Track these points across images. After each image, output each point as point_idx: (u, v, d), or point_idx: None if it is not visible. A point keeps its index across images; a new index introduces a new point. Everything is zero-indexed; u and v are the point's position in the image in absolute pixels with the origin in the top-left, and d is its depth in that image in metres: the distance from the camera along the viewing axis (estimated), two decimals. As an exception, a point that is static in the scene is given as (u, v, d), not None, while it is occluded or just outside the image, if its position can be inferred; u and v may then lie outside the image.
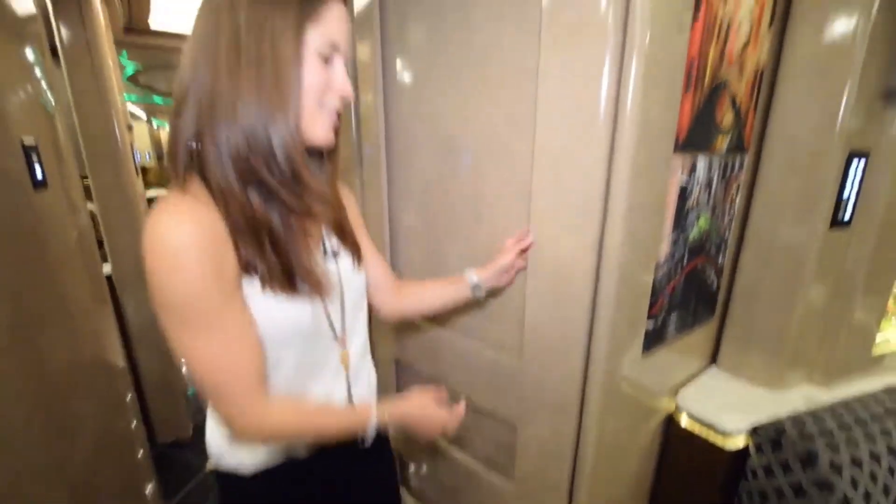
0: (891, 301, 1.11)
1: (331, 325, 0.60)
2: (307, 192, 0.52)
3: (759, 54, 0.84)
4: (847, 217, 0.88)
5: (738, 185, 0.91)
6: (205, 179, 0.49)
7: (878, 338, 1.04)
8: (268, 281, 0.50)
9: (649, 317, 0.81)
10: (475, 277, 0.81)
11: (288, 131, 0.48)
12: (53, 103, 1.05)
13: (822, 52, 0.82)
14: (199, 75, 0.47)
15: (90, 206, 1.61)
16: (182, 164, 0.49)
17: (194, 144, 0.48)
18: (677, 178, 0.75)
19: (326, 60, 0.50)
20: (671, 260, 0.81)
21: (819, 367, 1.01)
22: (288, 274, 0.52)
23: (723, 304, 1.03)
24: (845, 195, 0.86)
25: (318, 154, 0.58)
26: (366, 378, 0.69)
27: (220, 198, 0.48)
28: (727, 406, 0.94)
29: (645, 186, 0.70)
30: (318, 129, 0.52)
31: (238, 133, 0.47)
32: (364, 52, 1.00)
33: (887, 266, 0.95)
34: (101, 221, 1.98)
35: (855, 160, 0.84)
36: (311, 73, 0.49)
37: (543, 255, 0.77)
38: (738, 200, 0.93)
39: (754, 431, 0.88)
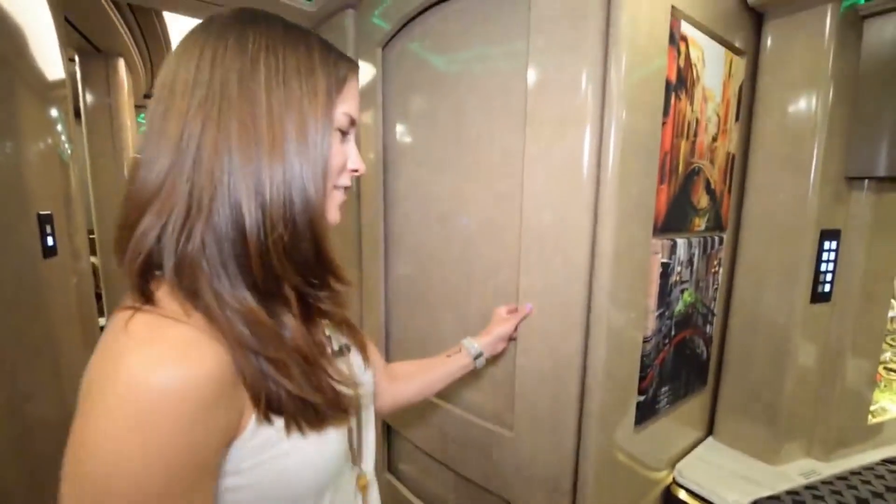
0: (881, 369, 1.13)
1: (349, 444, 0.50)
2: (337, 280, 0.46)
3: (729, 144, 0.91)
4: (826, 290, 0.92)
5: (719, 260, 0.95)
6: (190, 293, 0.36)
7: (874, 407, 1.04)
8: (296, 420, 0.40)
9: (640, 391, 0.82)
10: (476, 346, 0.79)
11: (316, 214, 0.42)
12: (69, 154, 1.12)
13: (786, 141, 0.89)
14: (189, 159, 0.37)
15: (93, 259, 1.65)
16: (149, 271, 0.38)
17: (176, 244, 0.37)
18: (658, 258, 0.79)
19: (344, 135, 0.47)
20: (658, 334, 0.83)
21: (816, 438, 1.00)
22: (319, 404, 0.41)
23: (714, 373, 1.04)
24: (822, 270, 0.90)
25: None
26: (375, 498, 0.59)
27: (222, 315, 0.36)
28: (725, 481, 0.92)
29: (627, 266, 0.74)
30: (333, 209, 0.48)
31: (258, 221, 0.38)
32: (368, 128, 1.08)
33: (872, 335, 0.98)
34: (102, 275, 2.02)
35: (827, 238, 0.89)
36: (334, 152, 0.44)
37: (532, 330, 0.79)
38: (721, 274, 0.97)
39: (754, 509, 0.86)
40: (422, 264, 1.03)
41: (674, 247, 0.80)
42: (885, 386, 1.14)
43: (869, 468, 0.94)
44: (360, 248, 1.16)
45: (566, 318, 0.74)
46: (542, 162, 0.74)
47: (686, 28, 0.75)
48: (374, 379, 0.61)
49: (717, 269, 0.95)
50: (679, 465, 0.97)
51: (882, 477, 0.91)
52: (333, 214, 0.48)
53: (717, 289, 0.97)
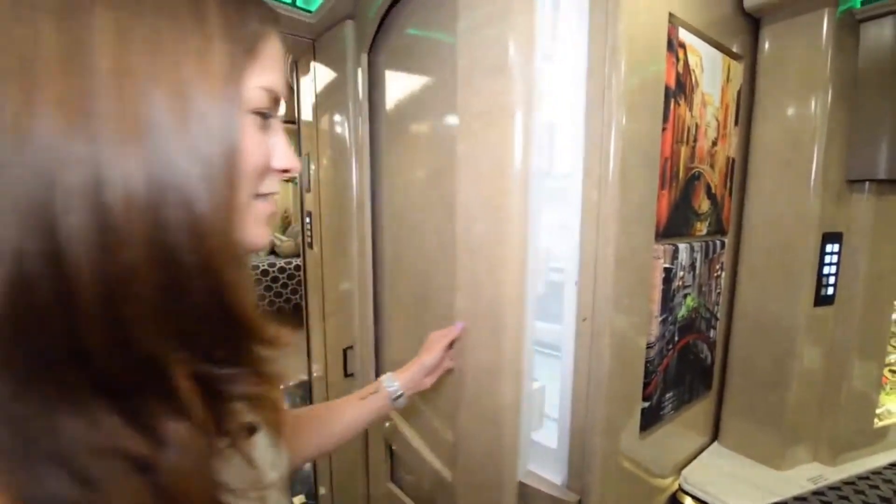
0: (887, 372, 1.12)
1: None
2: (262, 343, 0.31)
3: (728, 148, 0.91)
4: (830, 293, 0.91)
5: (722, 264, 0.95)
6: None
7: (880, 410, 1.03)
8: None
9: (644, 397, 0.81)
10: (396, 384, 0.68)
11: (216, 240, 0.27)
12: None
13: (786, 144, 0.90)
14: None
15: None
16: None
17: None
18: (660, 263, 0.79)
19: (264, 120, 0.33)
20: (662, 339, 0.83)
21: (823, 442, 0.99)
22: None
23: (719, 377, 1.03)
24: (825, 273, 0.90)
25: None
26: None
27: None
28: (732, 487, 0.92)
29: (630, 272, 0.73)
30: (253, 228, 0.33)
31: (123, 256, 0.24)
32: (360, 136, 1.09)
33: (876, 338, 0.97)
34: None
35: (829, 242, 0.88)
36: (247, 144, 0.30)
37: (466, 364, 0.73)
38: (723, 278, 0.97)
39: (762, 516, 0.86)
40: (398, 278, 1.02)
41: (676, 252, 0.80)
42: (891, 389, 1.13)
43: (877, 472, 0.93)
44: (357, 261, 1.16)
45: (495, 350, 0.67)
46: (470, 163, 0.69)
47: (684, 34, 0.75)
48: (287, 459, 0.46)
49: (719, 273, 0.95)
50: (685, 472, 0.96)
51: (890, 481, 0.90)
52: (254, 234, 0.33)
53: (719, 293, 0.97)
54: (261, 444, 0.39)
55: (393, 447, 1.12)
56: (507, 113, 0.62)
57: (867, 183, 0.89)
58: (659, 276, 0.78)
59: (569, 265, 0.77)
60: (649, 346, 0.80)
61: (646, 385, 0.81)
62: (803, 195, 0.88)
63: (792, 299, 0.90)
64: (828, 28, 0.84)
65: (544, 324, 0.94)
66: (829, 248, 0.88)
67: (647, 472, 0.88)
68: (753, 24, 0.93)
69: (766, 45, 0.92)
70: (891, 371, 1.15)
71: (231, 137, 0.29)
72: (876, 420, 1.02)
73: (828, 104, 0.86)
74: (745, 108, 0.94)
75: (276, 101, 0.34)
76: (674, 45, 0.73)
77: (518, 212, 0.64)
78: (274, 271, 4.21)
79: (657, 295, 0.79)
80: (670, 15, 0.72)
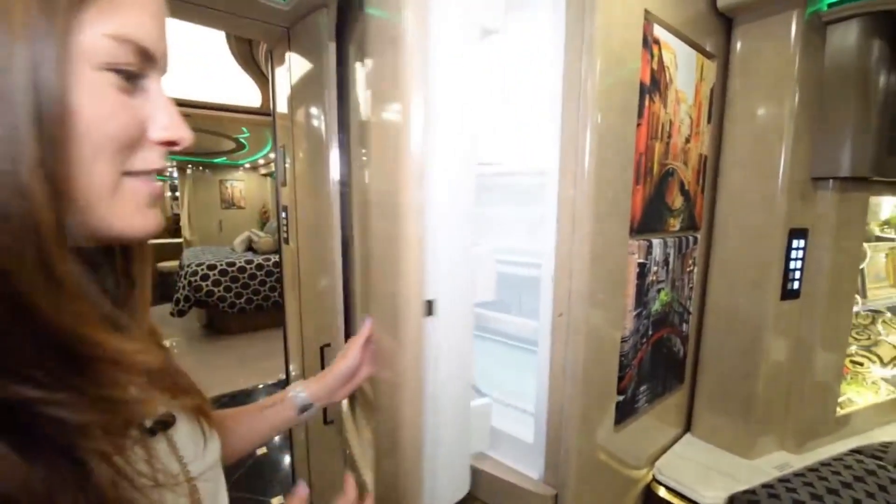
0: (847, 362, 1.17)
1: None
2: (107, 374, 0.26)
3: (701, 146, 0.93)
4: (796, 287, 0.94)
5: (694, 259, 0.97)
6: None
7: (841, 398, 1.08)
8: None
9: (619, 391, 0.82)
10: (304, 395, 0.61)
11: (41, 237, 0.23)
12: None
13: (755, 143, 0.92)
14: None
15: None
16: None
17: None
18: (635, 258, 0.80)
19: (130, 80, 0.28)
20: (636, 334, 0.84)
21: (788, 431, 1.03)
22: None
23: (691, 370, 1.06)
24: (791, 268, 0.93)
25: (105, 256, 0.32)
26: None
27: None
28: (703, 476, 0.94)
29: (605, 267, 0.74)
30: (131, 213, 0.29)
31: None
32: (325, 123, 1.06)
33: (838, 330, 1.01)
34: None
35: (795, 237, 0.91)
36: (98, 110, 0.26)
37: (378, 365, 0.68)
38: (695, 273, 0.99)
39: (730, 502, 0.88)
40: (367, 275, 1.00)
41: (650, 247, 0.81)
42: (852, 378, 1.18)
43: (838, 459, 0.97)
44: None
45: (395, 361, 0.61)
46: (377, 150, 0.64)
47: (659, 31, 0.76)
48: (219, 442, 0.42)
49: (691, 268, 0.97)
50: (658, 463, 0.98)
51: (850, 467, 0.94)
52: (133, 220, 0.29)
53: (692, 287, 0.99)
54: (182, 435, 0.36)
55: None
56: (400, 91, 0.54)
57: (831, 181, 0.92)
58: (633, 272, 0.79)
59: (545, 261, 0.77)
60: (624, 341, 0.81)
61: (620, 379, 0.82)
62: (771, 192, 0.90)
63: (760, 293, 0.93)
64: (796, 30, 0.86)
65: (521, 319, 0.94)
66: (795, 243, 0.91)
67: (622, 464, 0.89)
68: (726, 23, 0.95)
69: (738, 45, 0.94)
70: (851, 361, 1.20)
71: (43, 97, 0.22)
72: (838, 409, 1.06)
73: (795, 104, 0.88)
74: (718, 106, 0.96)
75: (145, 57, 0.28)
76: (649, 42, 0.74)
77: (413, 206, 0.56)
78: (251, 268, 4.12)
79: (631, 290, 0.80)
80: (646, 11, 0.73)
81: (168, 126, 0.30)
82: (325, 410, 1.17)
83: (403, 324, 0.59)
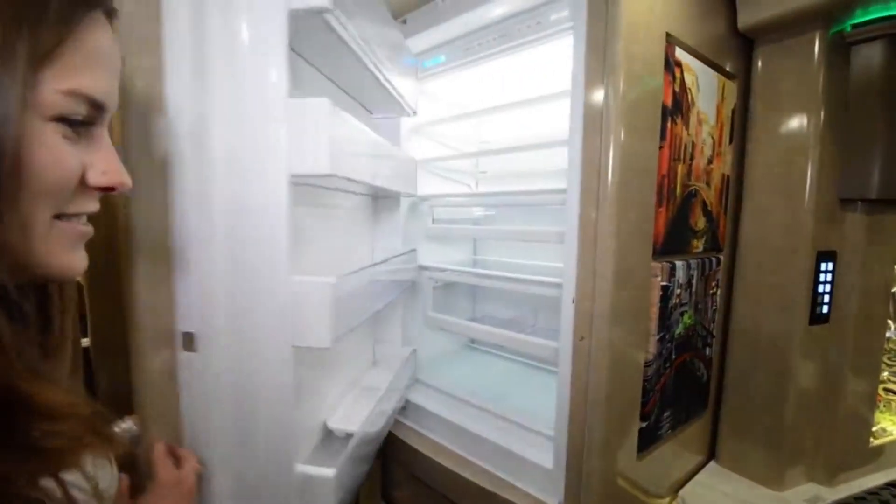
0: (880, 390, 1.12)
1: None
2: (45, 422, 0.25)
3: (723, 166, 0.92)
4: (825, 311, 0.91)
5: (717, 282, 0.95)
6: None
7: (875, 428, 1.03)
8: None
9: (642, 417, 0.80)
10: (134, 429, 0.54)
11: None
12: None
13: (779, 163, 0.90)
14: None
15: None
16: None
17: None
18: (658, 281, 0.78)
19: (77, 129, 0.29)
20: (660, 358, 0.82)
21: (819, 462, 0.98)
22: None
23: (715, 396, 1.03)
24: (820, 291, 0.90)
25: (29, 304, 0.30)
26: None
27: None
28: (730, 509, 0.90)
29: (627, 290, 0.73)
30: (60, 254, 0.30)
31: None
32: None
33: (870, 356, 0.97)
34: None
35: (824, 260, 0.89)
36: (43, 160, 0.26)
37: None
38: (719, 295, 0.97)
39: (760, 538, 0.84)
40: None
41: (673, 269, 0.80)
42: (885, 407, 1.13)
43: (873, 493, 0.93)
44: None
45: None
46: None
47: (680, 54, 0.76)
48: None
49: (715, 290, 0.95)
50: (682, 493, 0.95)
51: (887, 502, 0.89)
52: (62, 261, 0.30)
53: (715, 310, 0.97)
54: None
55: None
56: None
57: (859, 202, 0.90)
58: (656, 294, 0.78)
59: (565, 282, 0.76)
60: (647, 365, 0.79)
61: (644, 404, 0.79)
62: (796, 213, 0.88)
63: (787, 317, 0.90)
64: (819, 50, 0.86)
65: (540, 340, 0.93)
66: (823, 266, 0.88)
67: (644, 492, 0.86)
68: (747, 44, 0.95)
69: (760, 66, 0.93)
70: (884, 389, 1.15)
71: (19, 153, 0.24)
72: (871, 439, 1.01)
73: (820, 124, 0.87)
74: (740, 126, 0.95)
75: (96, 108, 0.29)
76: (671, 64, 0.74)
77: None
78: None
79: (655, 313, 0.78)
80: (667, 34, 0.73)
81: (108, 171, 0.31)
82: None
83: (138, 357, 0.55)
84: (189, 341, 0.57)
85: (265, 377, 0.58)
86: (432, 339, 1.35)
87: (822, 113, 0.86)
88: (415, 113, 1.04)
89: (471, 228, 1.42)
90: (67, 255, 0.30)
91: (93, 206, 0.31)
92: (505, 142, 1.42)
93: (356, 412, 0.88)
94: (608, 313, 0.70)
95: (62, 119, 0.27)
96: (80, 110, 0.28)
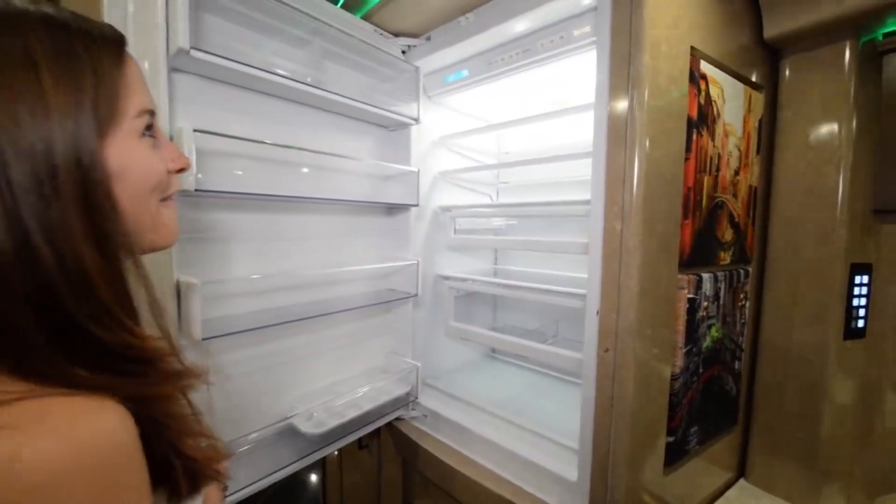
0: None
1: None
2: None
3: (751, 177, 0.91)
4: (860, 326, 0.88)
5: (746, 294, 0.93)
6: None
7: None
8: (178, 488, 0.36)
9: (669, 431, 0.79)
10: None
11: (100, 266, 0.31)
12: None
13: (809, 173, 0.89)
14: None
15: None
16: None
17: None
18: (684, 293, 0.77)
19: (152, 135, 0.37)
20: (687, 371, 0.81)
21: (857, 482, 0.94)
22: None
23: (745, 411, 1.00)
24: (854, 305, 0.87)
25: None
26: None
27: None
28: (762, 528, 0.87)
29: (653, 303, 0.72)
30: (167, 229, 0.40)
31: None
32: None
33: (911, 373, 0.93)
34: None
35: (858, 273, 0.86)
36: (142, 165, 0.35)
37: None
38: (747, 308, 0.95)
39: (795, 561, 0.81)
40: None
41: (700, 281, 0.79)
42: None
43: (917, 517, 0.88)
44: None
45: None
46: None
47: (705, 67, 0.76)
48: None
49: (743, 302, 0.93)
50: (711, 510, 0.93)
51: (932, 527, 0.85)
52: (170, 232, 0.40)
53: (744, 323, 0.95)
54: None
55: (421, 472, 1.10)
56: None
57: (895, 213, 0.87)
58: (683, 307, 0.77)
59: (588, 293, 0.77)
60: (674, 378, 0.78)
61: (671, 418, 0.78)
62: (828, 224, 0.86)
63: (820, 331, 0.88)
64: (850, 59, 0.84)
65: (563, 351, 0.93)
66: (857, 279, 0.86)
67: (671, 509, 0.85)
68: (773, 55, 0.94)
69: (787, 76, 0.92)
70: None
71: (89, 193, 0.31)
72: (913, 459, 0.97)
73: (852, 134, 0.85)
74: (767, 137, 0.94)
75: (152, 114, 0.37)
76: (696, 77, 0.74)
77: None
78: None
79: (681, 326, 0.77)
80: (692, 48, 0.73)
81: (175, 159, 0.41)
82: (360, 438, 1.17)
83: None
84: None
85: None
86: (454, 349, 1.36)
87: (854, 122, 0.85)
88: (417, 121, 1.07)
89: (494, 239, 1.43)
90: (171, 227, 0.40)
91: (177, 185, 0.41)
92: (525, 152, 1.43)
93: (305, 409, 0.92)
94: (633, 325, 0.70)
95: (143, 134, 0.36)
96: (147, 122, 0.36)
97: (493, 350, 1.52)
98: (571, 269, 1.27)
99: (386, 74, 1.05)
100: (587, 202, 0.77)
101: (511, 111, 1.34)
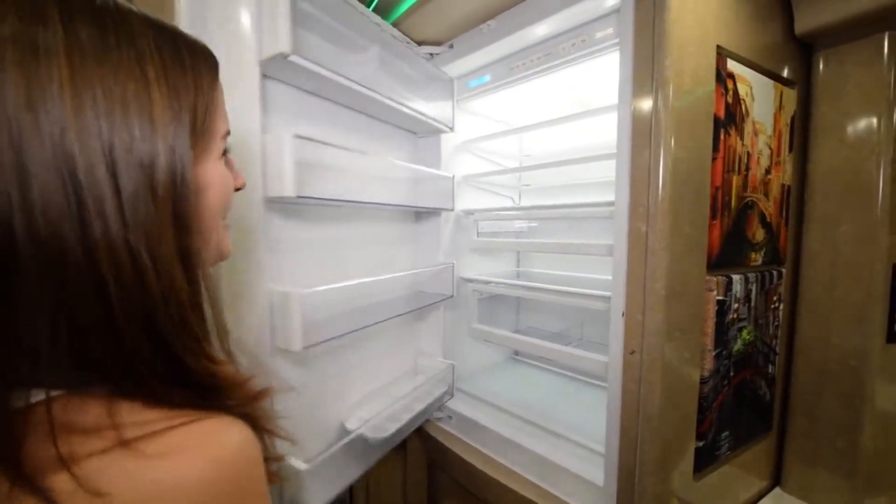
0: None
1: None
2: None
3: (783, 176, 0.88)
4: (905, 329, 0.84)
5: (779, 296, 0.91)
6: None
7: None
8: None
9: (698, 436, 0.77)
10: None
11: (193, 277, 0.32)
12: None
13: (847, 170, 0.85)
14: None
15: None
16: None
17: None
18: (713, 295, 0.76)
19: (225, 155, 0.39)
20: (717, 375, 0.79)
21: (904, 493, 0.90)
22: None
23: (779, 416, 0.97)
24: (898, 307, 0.83)
25: None
26: None
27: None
28: (799, 539, 0.84)
29: (681, 304, 0.72)
30: (225, 246, 0.41)
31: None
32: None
33: (963, 380, 0.88)
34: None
35: (901, 273, 0.82)
36: (222, 184, 0.37)
37: None
38: (781, 310, 0.92)
39: (836, 574, 0.78)
40: None
41: (729, 283, 0.77)
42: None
43: (972, 533, 0.83)
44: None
45: None
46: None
47: (733, 65, 0.75)
48: None
49: (777, 304, 0.90)
50: (745, 519, 0.90)
51: None
52: (227, 246, 0.41)
53: (777, 326, 0.92)
54: None
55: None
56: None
57: (942, 211, 0.83)
58: (712, 309, 0.76)
59: (614, 295, 0.76)
60: (703, 382, 0.77)
61: (700, 422, 0.77)
62: (868, 222, 0.83)
63: (860, 335, 0.84)
64: (889, 50, 0.81)
65: (588, 354, 0.92)
66: (902, 280, 0.82)
67: (702, 516, 0.83)
68: (805, 50, 0.91)
69: (821, 70, 0.89)
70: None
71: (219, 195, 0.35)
72: (967, 472, 0.91)
73: (893, 127, 0.81)
74: (800, 134, 0.91)
75: (228, 135, 0.39)
76: (723, 76, 0.73)
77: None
78: None
79: (710, 328, 0.76)
80: (718, 47, 0.72)
81: (237, 177, 0.42)
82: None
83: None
84: None
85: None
86: (477, 351, 1.37)
87: (895, 116, 0.81)
88: (452, 129, 1.09)
89: (518, 241, 1.43)
90: (227, 245, 0.42)
91: (232, 203, 0.43)
92: (547, 155, 1.43)
93: (369, 415, 0.93)
94: (660, 327, 0.69)
95: (222, 152, 0.38)
96: (226, 143, 0.38)
97: (517, 352, 1.52)
98: (594, 272, 1.26)
99: (422, 82, 1.07)
100: (611, 204, 0.77)
101: (533, 114, 1.34)
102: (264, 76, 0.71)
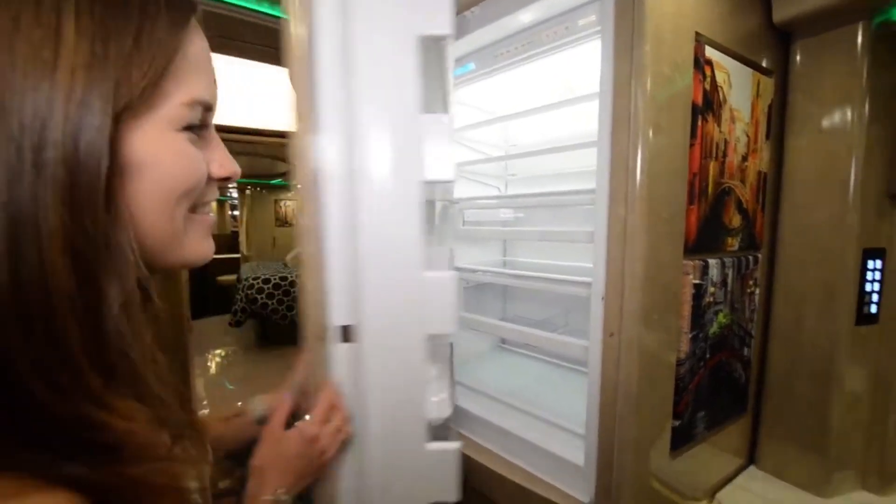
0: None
1: None
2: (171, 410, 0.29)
3: (760, 163, 0.90)
4: (873, 311, 0.88)
5: (755, 280, 0.93)
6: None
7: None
8: None
9: (675, 415, 0.80)
10: (261, 408, 0.60)
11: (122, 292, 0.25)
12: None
13: (821, 158, 0.88)
14: None
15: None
16: None
17: None
18: (690, 279, 0.78)
19: (198, 132, 0.31)
20: (693, 357, 0.82)
21: (871, 469, 0.94)
22: None
23: (754, 397, 1.00)
24: (867, 290, 0.86)
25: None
26: None
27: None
28: (771, 514, 0.88)
29: (658, 288, 0.73)
30: (194, 243, 0.33)
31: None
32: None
33: (928, 360, 0.92)
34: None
35: (871, 257, 0.85)
36: (174, 162, 0.29)
37: None
38: (757, 294, 0.95)
39: (805, 545, 0.82)
40: None
41: (706, 267, 0.79)
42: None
43: (933, 504, 0.88)
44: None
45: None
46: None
47: (711, 52, 0.76)
48: None
49: (752, 289, 0.93)
50: (719, 495, 0.93)
51: (948, 514, 0.84)
52: (198, 249, 0.33)
53: (754, 310, 0.95)
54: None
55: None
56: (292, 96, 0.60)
57: (911, 197, 0.86)
58: (689, 292, 0.78)
59: (595, 279, 0.78)
60: (679, 363, 0.79)
61: (676, 403, 0.79)
62: (841, 209, 0.85)
63: (831, 317, 0.87)
64: (863, 41, 0.83)
65: (570, 338, 0.94)
66: (870, 264, 0.85)
67: (678, 493, 0.86)
68: (783, 38, 0.93)
69: (798, 60, 0.91)
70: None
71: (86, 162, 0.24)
72: (930, 447, 0.95)
73: (865, 117, 0.84)
74: (777, 122, 0.93)
75: (208, 110, 0.32)
76: (700, 63, 0.74)
77: (307, 225, 0.61)
78: (286, 285, 4.25)
79: (687, 311, 0.78)
80: (697, 34, 0.73)
81: (224, 164, 0.34)
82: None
83: (309, 349, 0.61)
84: (347, 333, 0.62)
85: (406, 364, 0.62)
86: (464, 340, 1.39)
87: (867, 105, 0.84)
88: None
89: (500, 230, 1.44)
90: (203, 243, 0.34)
91: (214, 194, 0.35)
92: (533, 144, 1.44)
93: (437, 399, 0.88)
94: (638, 310, 0.71)
95: (188, 127, 0.30)
96: (198, 116, 0.31)
97: (504, 341, 1.54)
98: (579, 260, 1.28)
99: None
100: (593, 191, 0.78)
101: (518, 102, 1.34)
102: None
